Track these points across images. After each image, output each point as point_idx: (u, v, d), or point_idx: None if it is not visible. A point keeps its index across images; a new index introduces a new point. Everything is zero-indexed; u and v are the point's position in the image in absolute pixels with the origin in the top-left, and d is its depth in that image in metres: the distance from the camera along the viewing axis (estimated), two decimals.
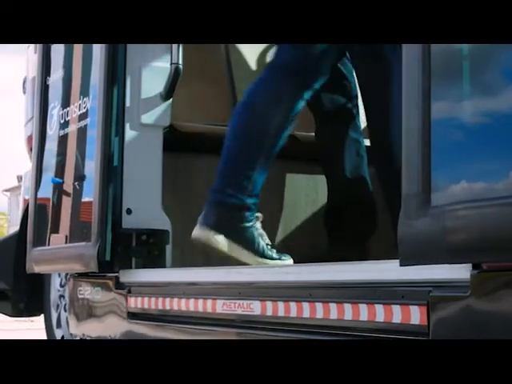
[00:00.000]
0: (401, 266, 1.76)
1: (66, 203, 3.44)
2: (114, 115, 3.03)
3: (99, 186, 3.04)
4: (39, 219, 3.69)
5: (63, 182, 3.49)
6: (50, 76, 3.70)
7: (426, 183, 1.68)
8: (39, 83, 3.77)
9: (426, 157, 1.68)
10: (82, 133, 3.32)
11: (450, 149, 1.66)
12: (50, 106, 3.67)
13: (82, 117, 3.31)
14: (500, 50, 1.60)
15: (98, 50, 3.13)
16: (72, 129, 3.41)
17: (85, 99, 3.29)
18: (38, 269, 3.70)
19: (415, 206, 1.72)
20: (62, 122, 3.50)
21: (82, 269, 3.21)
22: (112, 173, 3.04)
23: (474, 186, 1.61)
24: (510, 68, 1.57)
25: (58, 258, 3.47)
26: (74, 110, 3.38)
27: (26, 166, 4.73)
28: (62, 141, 3.50)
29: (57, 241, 3.49)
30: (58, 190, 3.51)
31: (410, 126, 1.74)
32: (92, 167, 3.16)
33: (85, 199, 3.28)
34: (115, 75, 3.05)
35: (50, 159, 3.65)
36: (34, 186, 3.75)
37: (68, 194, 3.42)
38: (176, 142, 3.23)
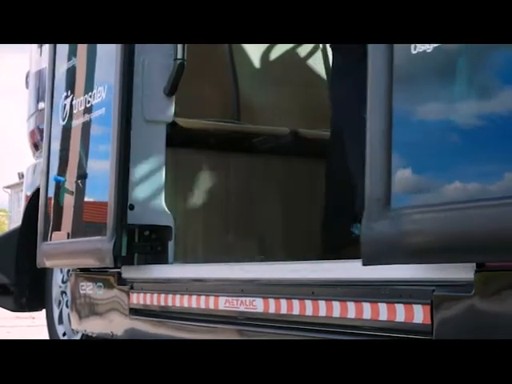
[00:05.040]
0: (363, 265, 1.86)
1: (79, 196, 3.39)
2: (128, 112, 3.03)
3: (115, 181, 3.00)
4: (50, 212, 3.63)
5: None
6: (61, 66, 3.66)
7: (386, 188, 1.78)
8: (50, 73, 3.72)
9: (386, 163, 1.78)
10: (95, 126, 3.29)
11: (409, 156, 1.76)
12: (62, 97, 3.62)
13: (92, 110, 3.27)
14: (465, 53, 1.66)
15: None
16: (84, 122, 3.36)
17: (94, 93, 3.26)
18: (48, 263, 3.65)
19: (376, 209, 1.81)
20: (75, 112, 3.45)
21: (96, 264, 3.15)
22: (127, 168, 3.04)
23: (430, 191, 1.71)
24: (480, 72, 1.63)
25: (70, 253, 3.41)
26: (87, 101, 3.33)
27: (28, 162, 4.72)
28: (74, 133, 3.46)
29: (69, 235, 3.43)
30: (70, 183, 3.46)
31: (373, 134, 1.85)
32: (104, 162, 3.13)
33: (99, 193, 3.23)
34: (131, 70, 3.03)
35: (61, 152, 3.60)
36: (45, 178, 3.68)
37: (81, 188, 3.37)
38: (178, 138, 3.23)
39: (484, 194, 1.57)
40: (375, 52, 1.87)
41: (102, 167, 3.20)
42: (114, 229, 2.94)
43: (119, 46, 3.00)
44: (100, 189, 3.18)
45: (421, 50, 1.71)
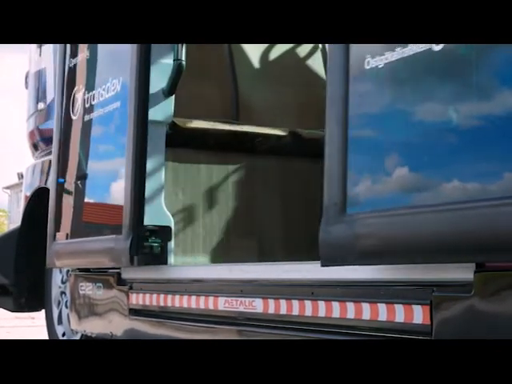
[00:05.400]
0: (322, 266, 2.02)
1: (92, 195, 3.35)
2: (144, 114, 2.98)
3: (131, 179, 2.93)
4: (60, 210, 3.55)
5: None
6: (72, 58, 3.57)
7: (342, 194, 1.96)
8: (61, 66, 3.62)
9: (342, 171, 1.96)
10: (109, 120, 3.20)
11: (364, 164, 1.95)
12: (73, 91, 3.52)
13: (106, 104, 3.20)
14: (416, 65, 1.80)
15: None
16: (98, 116, 3.27)
17: (108, 86, 3.18)
18: (59, 263, 3.58)
19: (333, 214, 1.99)
20: (87, 106, 3.35)
21: (111, 264, 3.08)
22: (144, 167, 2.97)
23: (381, 197, 1.90)
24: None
25: (82, 252, 3.33)
26: (100, 94, 3.25)
27: (27, 162, 4.72)
28: (87, 128, 3.38)
29: (81, 234, 3.36)
30: (82, 180, 3.39)
31: (331, 146, 2.01)
32: (118, 158, 3.09)
33: (113, 191, 3.15)
34: (148, 70, 2.97)
35: (72, 149, 3.51)
36: (55, 177, 3.59)
37: (94, 186, 3.31)
38: (178, 138, 3.22)
39: (429, 200, 1.75)
40: (333, 69, 2.06)
41: (116, 163, 3.13)
42: (131, 228, 2.89)
43: (134, 45, 2.94)
44: (115, 186, 3.12)
45: (373, 66, 1.92)
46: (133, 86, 2.97)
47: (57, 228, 3.55)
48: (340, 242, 1.96)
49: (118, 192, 3.05)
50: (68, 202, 3.52)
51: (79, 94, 3.47)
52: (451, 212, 1.67)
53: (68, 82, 3.60)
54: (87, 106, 3.37)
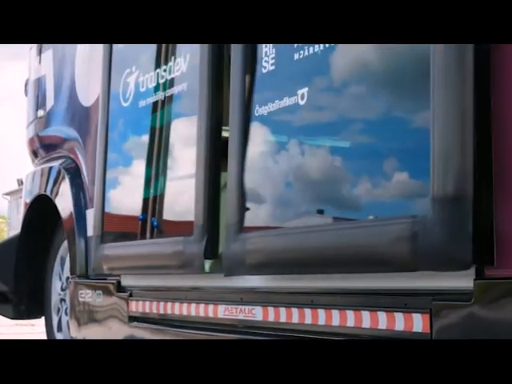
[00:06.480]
0: (225, 276, 2.40)
1: (149, 188, 2.98)
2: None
3: (204, 166, 2.57)
4: (110, 206, 3.25)
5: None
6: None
7: (239, 216, 2.35)
8: (106, 50, 3.31)
9: (240, 198, 2.36)
10: (170, 106, 2.90)
11: (252, 195, 2.38)
12: (123, 75, 3.20)
13: (167, 87, 2.90)
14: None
15: None
16: (157, 101, 2.96)
17: (170, 66, 2.89)
18: (108, 268, 3.17)
19: (232, 232, 2.36)
20: (143, 91, 3.05)
21: (177, 271, 2.68)
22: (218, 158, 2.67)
23: (263, 221, 2.36)
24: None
25: (140, 256, 2.94)
26: (161, 76, 2.94)
27: (27, 169, 4.72)
28: (142, 116, 3.07)
29: (139, 235, 3.01)
30: (137, 170, 3.10)
31: (231, 178, 2.40)
32: (183, 147, 2.83)
33: (178, 183, 2.83)
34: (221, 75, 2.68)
35: (123, 139, 3.26)
36: (101, 172, 3.28)
37: (152, 177, 2.95)
38: None
39: (302, 223, 2.20)
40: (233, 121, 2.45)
41: (181, 152, 2.85)
42: (205, 227, 2.51)
43: (205, 46, 2.65)
44: (182, 179, 2.79)
45: (261, 113, 2.34)
46: (204, 90, 2.67)
47: (104, 229, 3.20)
48: (236, 256, 2.33)
49: (187, 186, 2.66)
50: (119, 199, 3.26)
51: (131, 77, 3.14)
52: (303, 234, 2.13)
53: (117, 65, 3.28)
54: (142, 90, 3.06)
